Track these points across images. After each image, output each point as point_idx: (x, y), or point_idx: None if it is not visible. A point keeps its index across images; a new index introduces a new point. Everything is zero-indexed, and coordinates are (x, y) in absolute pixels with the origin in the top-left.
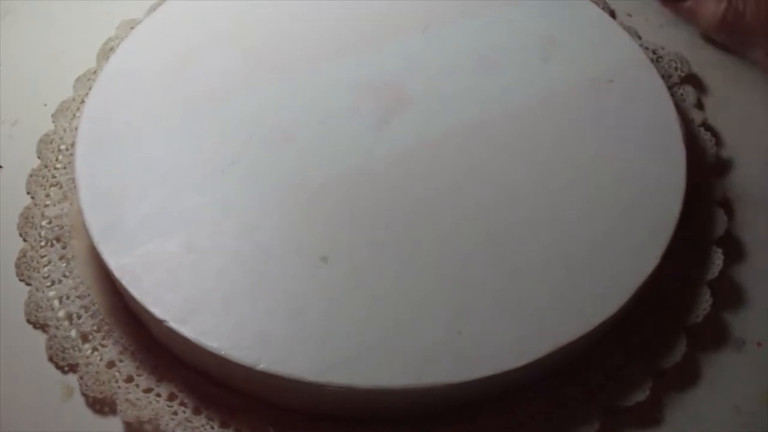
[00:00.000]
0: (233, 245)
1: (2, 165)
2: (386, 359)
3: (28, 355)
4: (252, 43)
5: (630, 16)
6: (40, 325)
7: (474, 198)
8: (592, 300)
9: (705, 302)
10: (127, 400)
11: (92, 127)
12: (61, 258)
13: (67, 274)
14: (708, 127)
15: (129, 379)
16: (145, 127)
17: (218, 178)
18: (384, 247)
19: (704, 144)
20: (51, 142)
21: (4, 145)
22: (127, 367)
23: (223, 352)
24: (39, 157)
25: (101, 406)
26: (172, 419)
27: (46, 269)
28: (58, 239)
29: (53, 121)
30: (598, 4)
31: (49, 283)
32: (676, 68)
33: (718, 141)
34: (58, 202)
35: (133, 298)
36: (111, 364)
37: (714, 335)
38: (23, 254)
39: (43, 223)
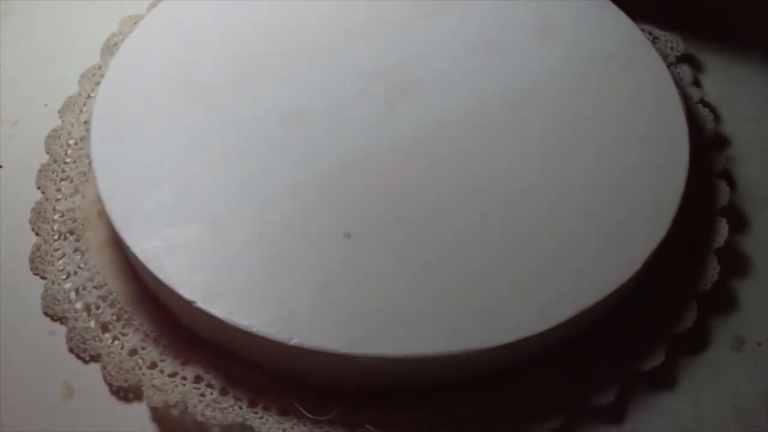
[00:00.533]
0: (255, 225)
1: (2, 165)
2: (416, 329)
3: (29, 356)
4: (257, 34)
5: None
6: (58, 318)
7: (487, 173)
8: (609, 267)
9: (713, 270)
10: (153, 386)
11: (105, 118)
12: (75, 250)
13: (82, 265)
14: (706, 104)
15: (153, 366)
16: (158, 116)
17: (234, 164)
18: (405, 221)
19: (703, 120)
20: (59, 138)
21: (4, 145)
22: (150, 353)
23: (255, 329)
24: (48, 153)
25: (125, 393)
26: (200, 401)
27: (60, 262)
28: (71, 232)
29: (60, 117)
30: None
31: (64, 276)
32: (671, 48)
33: (717, 117)
34: (70, 196)
35: (158, 282)
36: (133, 352)
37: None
38: (37, 248)
39: (56, 216)
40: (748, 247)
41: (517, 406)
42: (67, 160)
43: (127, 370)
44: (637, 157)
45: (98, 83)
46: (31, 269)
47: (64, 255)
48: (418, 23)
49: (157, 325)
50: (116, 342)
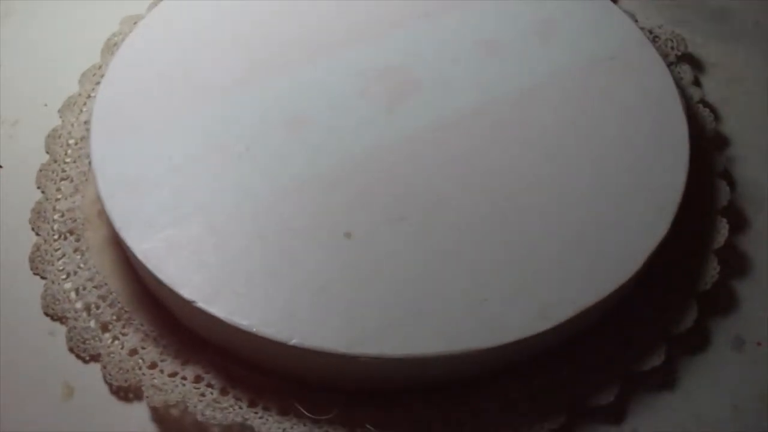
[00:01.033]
0: (255, 225)
1: (2, 165)
2: (416, 329)
3: (29, 356)
4: (257, 33)
5: None
6: (58, 318)
7: (487, 174)
8: (609, 267)
9: (713, 269)
10: (153, 385)
11: (105, 118)
12: (75, 250)
13: (82, 265)
14: (706, 104)
15: (153, 365)
16: (157, 117)
17: (234, 164)
18: (405, 222)
19: (703, 120)
20: (59, 137)
21: (4, 145)
22: (150, 353)
23: (254, 330)
24: (48, 152)
25: (125, 393)
26: (200, 401)
27: (60, 262)
28: (71, 232)
29: (60, 117)
30: None
31: (64, 276)
32: (672, 47)
33: (717, 117)
34: (70, 196)
35: (158, 282)
36: (133, 352)
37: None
38: (37, 248)
39: (56, 216)
40: (748, 247)
41: (517, 406)
42: (67, 159)
43: (127, 370)
44: (637, 157)
45: (98, 83)
46: (31, 269)
47: (64, 255)
48: (418, 23)
49: (157, 325)
50: (116, 342)
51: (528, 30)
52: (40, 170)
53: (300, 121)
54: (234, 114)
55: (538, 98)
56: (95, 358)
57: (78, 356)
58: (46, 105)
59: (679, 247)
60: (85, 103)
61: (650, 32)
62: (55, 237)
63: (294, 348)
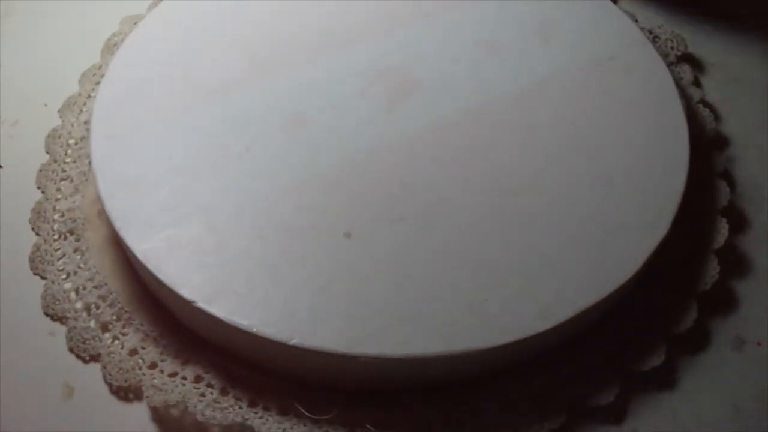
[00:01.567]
0: (255, 225)
1: (2, 165)
2: (416, 328)
3: (29, 356)
4: (258, 33)
5: None
6: (58, 318)
7: (486, 174)
8: (609, 267)
9: (713, 270)
10: (152, 385)
11: (105, 118)
12: (75, 250)
13: (82, 265)
14: (706, 104)
15: (153, 365)
16: (157, 117)
17: (234, 164)
18: (405, 221)
19: (703, 120)
20: (59, 137)
21: (4, 145)
22: (150, 353)
23: (254, 330)
24: (47, 152)
25: (125, 393)
26: (200, 401)
27: (60, 262)
28: (71, 232)
29: (60, 117)
30: None
31: (64, 276)
32: (672, 47)
33: (717, 117)
34: (70, 196)
35: (157, 282)
36: (133, 352)
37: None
38: (37, 248)
39: (56, 216)
40: (748, 247)
41: (517, 406)
42: (67, 159)
43: (127, 370)
44: (637, 157)
45: (98, 83)
46: (31, 269)
47: (64, 255)
48: (418, 23)
49: (157, 325)
50: (116, 342)
51: (528, 30)
52: (40, 170)
53: (300, 121)
54: (234, 114)
55: (538, 98)
56: (95, 358)
57: (78, 356)
58: (46, 105)
59: (679, 247)
60: (85, 103)
61: (650, 32)
62: (55, 237)
63: (294, 348)
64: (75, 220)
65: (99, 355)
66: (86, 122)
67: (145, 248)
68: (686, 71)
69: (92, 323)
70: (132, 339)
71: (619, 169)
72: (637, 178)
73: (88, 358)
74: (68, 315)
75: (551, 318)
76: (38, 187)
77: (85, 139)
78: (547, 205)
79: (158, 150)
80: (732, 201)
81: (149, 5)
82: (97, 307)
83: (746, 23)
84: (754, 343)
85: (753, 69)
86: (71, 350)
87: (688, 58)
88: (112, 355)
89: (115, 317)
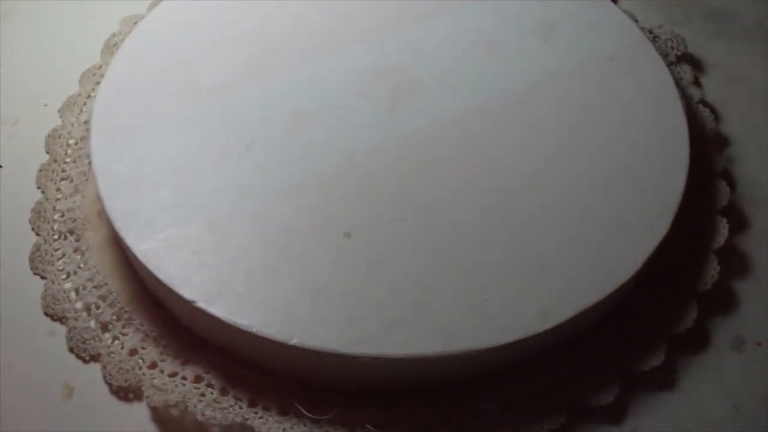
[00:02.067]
0: (255, 226)
1: (2, 165)
2: (416, 328)
3: (29, 356)
4: (258, 33)
5: None
6: (58, 318)
7: (486, 174)
8: (609, 267)
9: (713, 269)
10: (153, 385)
11: (105, 118)
12: (75, 250)
13: (82, 265)
14: (706, 104)
15: (153, 365)
16: (157, 117)
17: (235, 164)
18: (405, 222)
19: (703, 120)
20: (59, 137)
21: (4, 145)
22: (150, 353)
23: (254, 330)
24: (48, 152)
25: (125, 393)
26: (200, 401)
27: (60, 262)
28: (71, 232)
29: (60, 117)
30: None
31: (64, 276)
32: (672, 47)
33: (717, 117)
34: (70, 196)
35: (158, 282)
36: (133, 352)
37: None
38: (37, 248)
39: (56, 216)
40: (748, 247)
41: (517, 406)
42: (67, 159)
43: (127, 370)
44: (637, 157)
45: (98, 83)
46: (31, 269)
47: (64, 255)
48: (418, 23)
49: (157, 325)
50: (116, 342)
51: (528, 30)
52: (40, 170)
53: (300, 121)
54: (234, 114)
55: (538, 98)
56: (95, 358)
57: (78, 356)
58: (46, 105)
59: (679, 247)
60: (85, 103)
61: (650, 32)
62: (55, 237)
63: (294, 348)
64: (75, 220)
65: (99, 355)
66: (86, 122)
67: (145, 248)
68: (686, 71)
69: (92, 323)
70: (132, 339)
71: (619, 169)
72: (637, 177)
73: (88, 358)
74: (68, 315)
75: (551, 318)
76: (38, 187)
77: (85, 139)
78: (546, 204)
79: (158, 150)
80: (732, 201)
81: (149, 5)
82: (97, 307)
83: (746, 23)
84: (754, 343)
85: (753, 69)
86: (71, 350)
87: (688, 58)
88: (112, 355)
89: (115, 317)
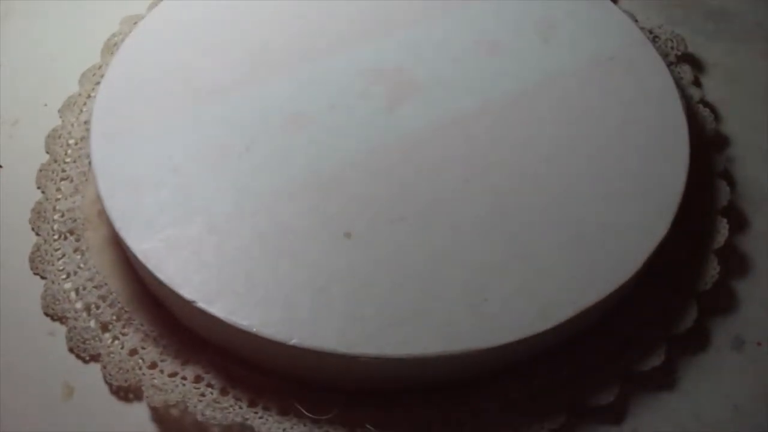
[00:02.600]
0: (255, 226)
1: (2, 165)
2: (416, 329)
3: (29, 356)
4: (257, 33)
5: None
6: (58, 318)
7: (486, 174)
8: (609, 267)
9: (713, 269)
10: (153, 385)
11: (105, 118)
12: (75, 250)
13: (82, 265)
14: (706, 104)
15: (153, 365)
16: (157, 117)
17: (234, 164)
18: (404, 221)
19: (703, 120)
20: (59, 137)
21: (4, 145)
22: (150, 353)
23: (254, 330)
24: (48, 152)
25: (125, 393)
26: (200, 401)
27: (60, 262)
28: (71, 232)
29: (60, 117)
30: None
31: (64, 276)
32: (672, 47)
33: (717, 117)
34: (70, 196)
35: (157, 282)
36: (133, 352)
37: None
38: (37, 248)
39: (56, 216)
40: (748, 247)
41: (517, 406)
42: (67, 159)
43: (127, 370)
44: (638, 157)
45: (98, 83)
46: (32, 269)
47: (64, 255)
48: (418, 23)
49: (157, 325)
50: (116, 342)
51: (528, 30)
52: (40, 170)
53: (300, 121)
54: (234, 114)
55: (538, 98)
56: (95, 358)
57: (78, 356)
58: (46, 105)
59: (679, 247)
60: (85, 103)
61: (650, 32)
62: (55, 237)
63: (294, 348)
64: (75, 220)
65: (99, 355)
66: (86, 122)
67: (145, 248)
68: (686, 71)
69: (92, 323)
70: (132, 339)
71: (619, 169)
72: (638, 177)
73: (88, 358)
74: (68, 315)
75: (551, 318)
76: (38, 187)
77: (85, 139)
78: (546, 204)
79: (158, 150)
80: (732, 201)
81: (149, 5)
82: (97, 307)
83: (746, 23)
84: (754, 343)
85: (753, 69)
86: (71, 350)
87: (688, 58)
88: (112, 355)
89: (115, 317)
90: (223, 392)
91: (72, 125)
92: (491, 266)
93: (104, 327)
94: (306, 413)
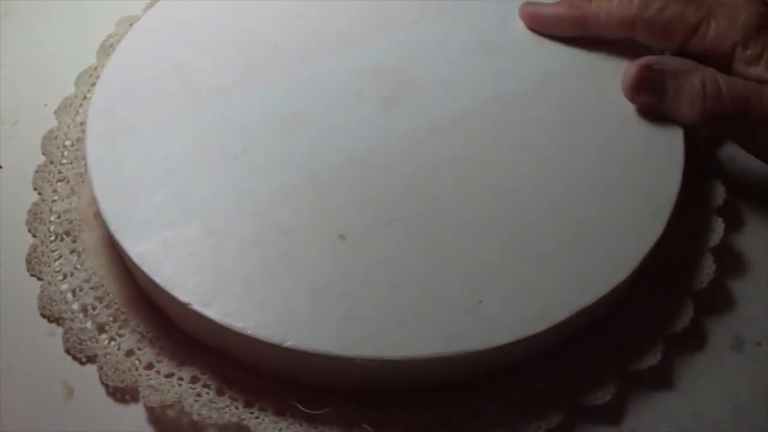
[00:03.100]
0: (251, 228)
1: (2, 165)
2: (412, 330)
3: (28, 356)
4: (254, 34)
5: None
6: (55, 319)
7: (483, 175)
8: (605, 266)
9: (708, 268)
10: (149, 386)
11: (101, 119)
12: (72, 251)
13: (79, 266)
14: None
15: (149, 366)
16: (153, 119)
17: (231, 166)
18: (400, 223)
19: None
20: (55, 138)
21: (4, 145)
22: (146, 354)
23: (249, 332)
24: (44, 154)
25: (122, 394)
26: (196, 401)
27: (57, 263)
28: (68, 233)
29: (56, 118)
30: None
31: (61, 277)
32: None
33: None
34: (66, 197)
35: (153, 285)
36: (130, 353)
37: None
38: (33, 249)
39: (52, 218)
40: (744, 246)
41: (517, 407)
42: (64, 161)
43: (124, 371)
44: (633, 156)
45: (94, 84)
46: (28, 270)
47: (60, 256)
48: (417, 24)
49: (154, 327)
50: (113, 343)
51: (526, 31)
52: (37, 171)
53: (297, 122)
54: (230, 115)
55: (535, 99)
56: (92, 359)
57: (75, 357)
58: (46, 105)
59: (675, 247)
60: (81, 105)
61: None
62: (52, 238)
63: (290, 350)
64: (71, 222)
65: (96, 356)
66: (82, 123)
67: (140, 250)
68: None
69: (89, 324)
70: (128, 340)
71: (615, 169)
72: (633, 177)
73: (84, 359)
74: (65, 316)
75: (548, 318)
76: (35, 189)
77: (81, 140)
78: (543, 205)
79: (154, 151)
80: (728, 199)
81: (145, 6)
82: (94, 309)
83: None
84: (753, 343)
85: None
86: (68, 351)
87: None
88: (108, 356)
89: (111, 318)
90: (220, 393)
91: (68, 126)
92: (487, 267)
93: (101, 328)
94: (302, 408)
